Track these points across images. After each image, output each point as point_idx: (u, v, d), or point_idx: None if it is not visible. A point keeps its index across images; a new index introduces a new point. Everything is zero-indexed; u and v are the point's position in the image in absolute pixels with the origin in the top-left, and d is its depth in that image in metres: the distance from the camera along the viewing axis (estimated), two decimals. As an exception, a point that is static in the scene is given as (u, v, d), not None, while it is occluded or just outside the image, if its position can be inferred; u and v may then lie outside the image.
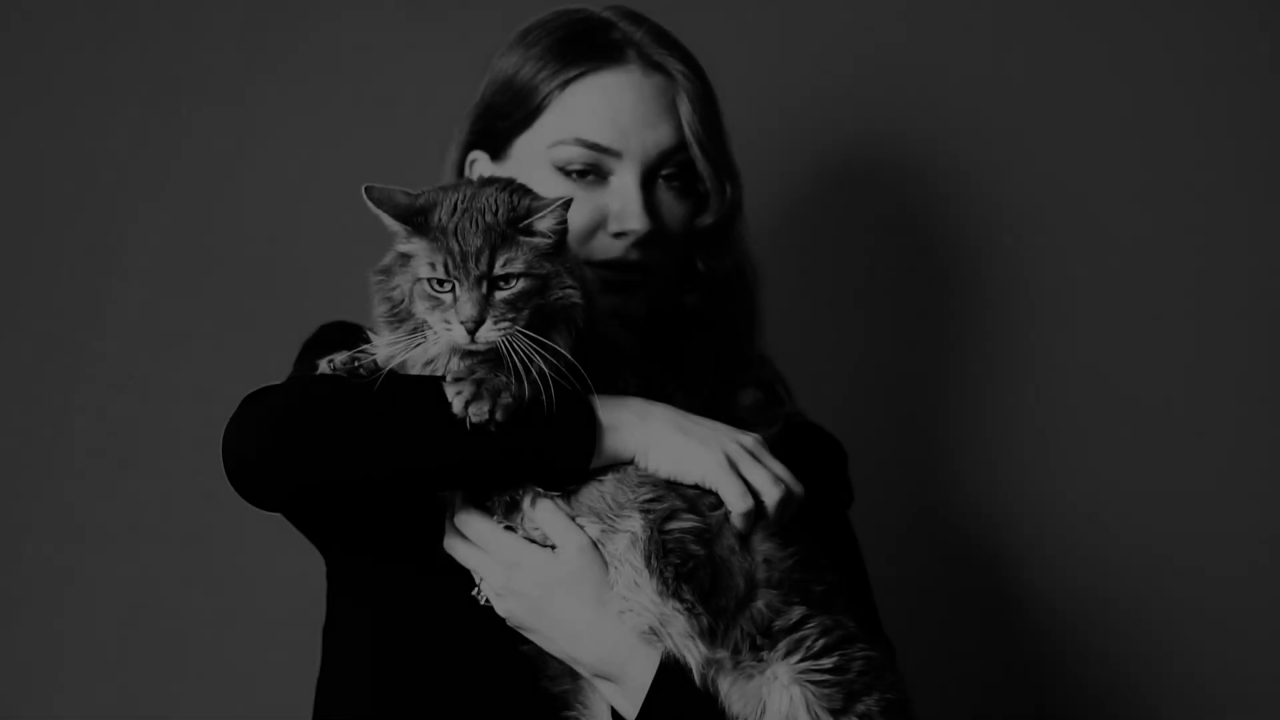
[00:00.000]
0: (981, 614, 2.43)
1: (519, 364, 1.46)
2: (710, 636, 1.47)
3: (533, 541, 1.55)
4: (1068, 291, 2.44)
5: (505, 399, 1.45)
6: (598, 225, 1.72)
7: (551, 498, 1.54)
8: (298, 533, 2.37)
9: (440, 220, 1.49)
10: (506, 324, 1.46)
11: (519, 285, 1.47)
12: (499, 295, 1.47)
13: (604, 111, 1.71)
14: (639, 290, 1.75)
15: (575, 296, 1.51)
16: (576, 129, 1.72)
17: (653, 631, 1.50)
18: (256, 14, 2.49)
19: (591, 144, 1.71)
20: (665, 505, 1.51)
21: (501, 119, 1.78)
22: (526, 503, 1.55)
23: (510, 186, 1.54)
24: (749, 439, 1.56)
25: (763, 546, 1.53)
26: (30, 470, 2.44)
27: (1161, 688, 2.40)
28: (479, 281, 1.46)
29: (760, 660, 1.48)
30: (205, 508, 2.44)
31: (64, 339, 2.45)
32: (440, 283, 1.48)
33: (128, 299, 2.46)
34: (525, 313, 1.47)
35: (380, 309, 1.55)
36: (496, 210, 1.49)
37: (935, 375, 2.46)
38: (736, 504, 1.51)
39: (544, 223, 1.49)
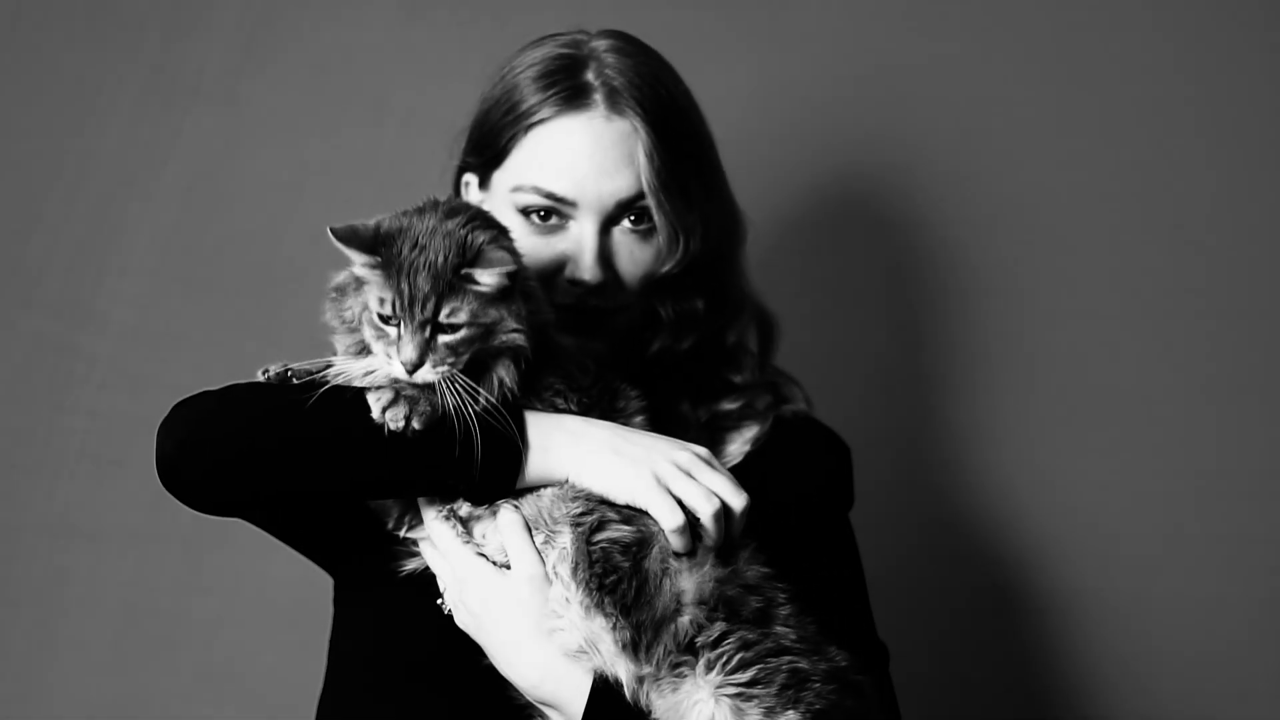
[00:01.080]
0: (985, 614, 2.44)
1: (451, 406, 1.50)
2: (634, 650, 1.49)
3: (484, 555, 1.58)
4: (1075, 293, 2.44)
5: (423, 407, 1.50)
6: (558, 269, 1.73)
7: (516, 509, 1.56)
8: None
9: (398, 254, 1.52)
10: (445, 368, 1.50)
11: (462, 333, 1.52)
12: (441, 339, 1.51)
13: (561, 160, 1.71)
14: (599, 333, 1.74)
15: (519, 340, 1.54)
16: (534, 177, 1.72)
17: (582, 651, 1.52)
18: (250, 14, 2.49)
19: (547, 193, 1.71)
20: (595, 516, 1.54)
21: (480, 153, 1.80)
22: (484, 515, 1.58)
23: (471, 223, 1.57)
24: (685, 455, 1.56)
25: (701, 563, 1.54)
26: (22, 471, 2.45)
27: (1171, 687, 2.42)
28: (422, 326, 1.50)
29: (682, 676, 1.49)
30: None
31: (56, 339, 2.45)
32: (387, 319, 1.52)
33: (120, 299, 2.46)
34: (465, 356, 1.52)
35: (333, 322, 1.59)
36: (448, 255, 1.52)
37: (937, 376, 2.46)
38: (666, 521, 1.51)
39: (487, 278, 1.52)
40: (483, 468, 1.52)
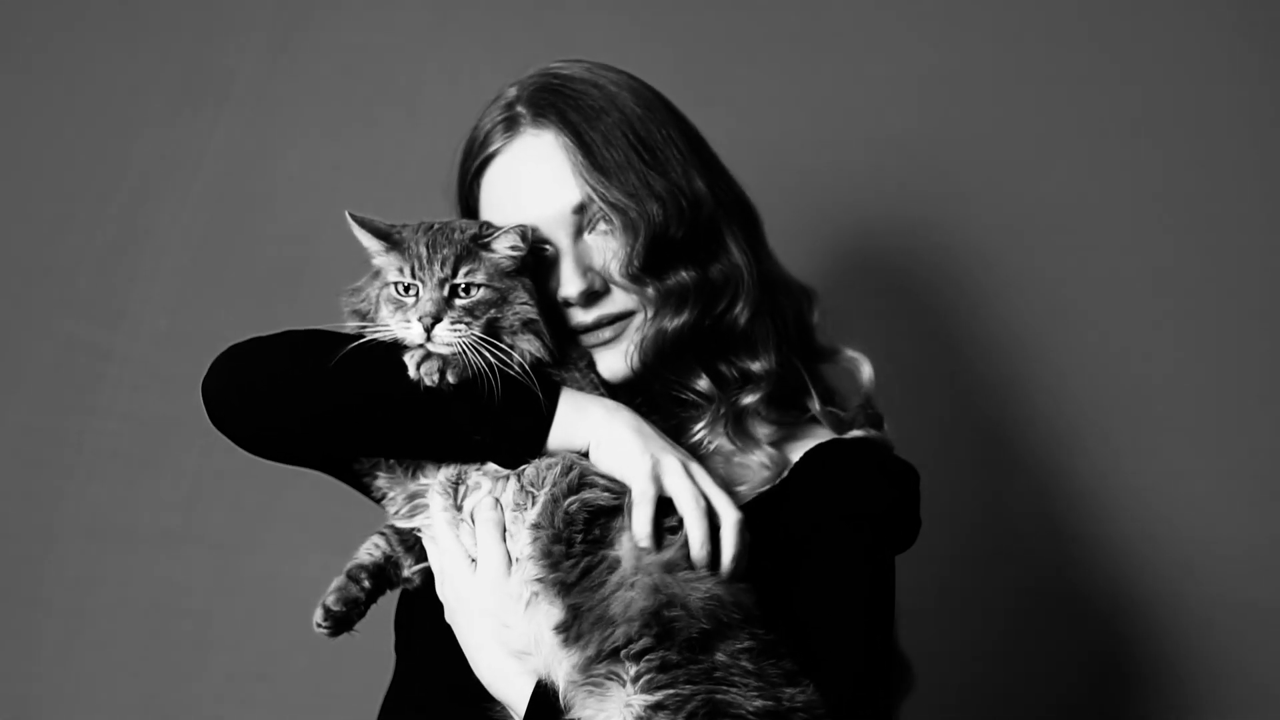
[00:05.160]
0: (1015, 616, 2.43)
1: (479, 365, 1.52)
2: (565, 632, 1.47)
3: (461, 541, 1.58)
4: (1106, 294, 2.43)
5: (456, 362, 1.54)
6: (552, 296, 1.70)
7: (497, 504, 1.56)
8: (321, 534, 2.39)
9: (415, 232, 1.59)
10: (463, 327, 1.54)
11: (478, 294, 1.57)
12: (459, 301, 1.56)
13: (507, 195, 1.70)
14: (618, 344, 1.69)
15: (531, 312, 1.59)
16: (498, 217, 1.69)
17: (526, 652, 1.51)
18: (281, 17, 2.50)
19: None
20: (574, 474, 1.54)
21: (464, 212, 1.79)
22: (477, 485, 1.58)
23: (483, 221, 1.64)
24: (696, 465, 1.57)
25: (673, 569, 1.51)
26: (54, 473, 2.47)
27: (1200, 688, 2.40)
28: (441, 284, 1.56)
29: (603, 686, 1.45)
30: (229, 509, 2.45)
31: (88, 341, 2.47)
32: (406, 288, 1.57)
33: (152, 301, 2.47)
34: (482, 321, 1.56)
35: (346, 314, 1.63)
36: (464, 230, 1.60)
37: (967, 377, 2.45)
38: (635, 497, 1.52)
39: (501, 242, 1.59)
40: (511, 425, 1.54)
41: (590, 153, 1.67)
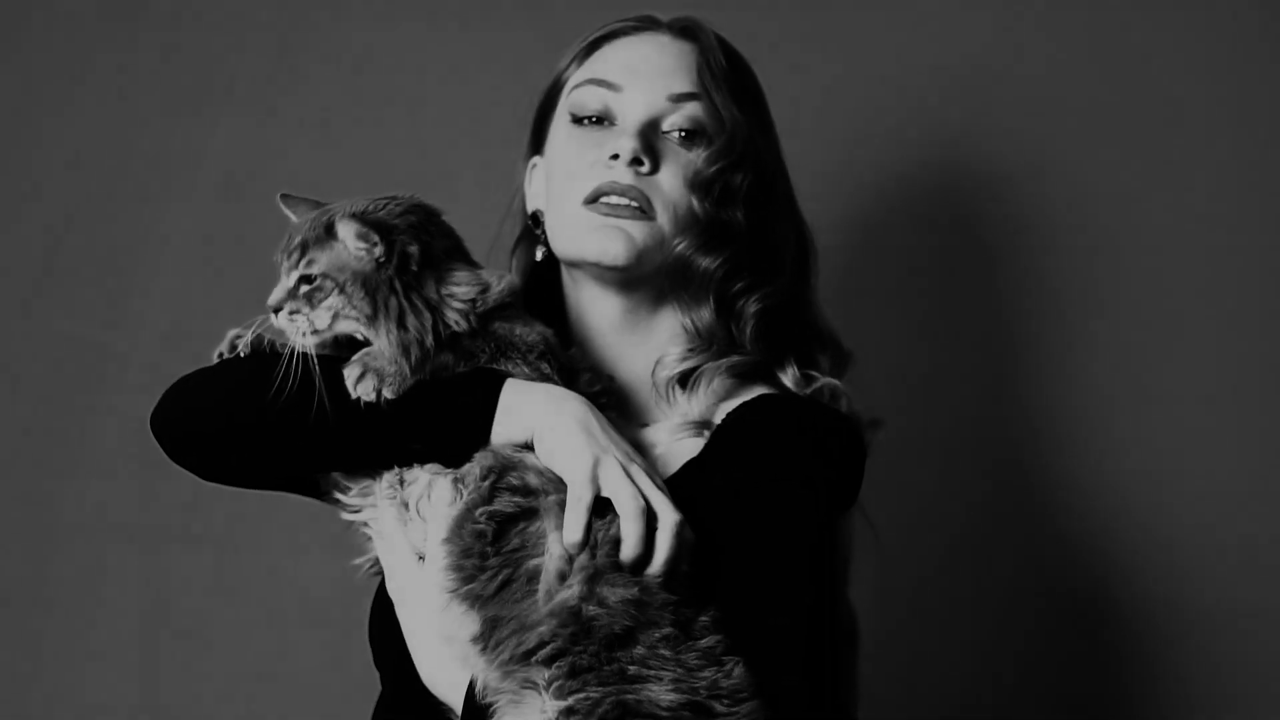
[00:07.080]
0: (1009, 614, 2.42)
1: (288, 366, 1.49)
2: (482, 641, 1.44)
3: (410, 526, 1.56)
4: (1109, 293, 2.42)
5: (392, 377, 1.50)
6: (596, 163, 1.66)
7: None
8: (321, 533, 2.38)
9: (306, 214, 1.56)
10: (299, 317, 1.51)
11: (315, 284, 1.51)
12: (302, 290, 1.52)
13: (620, 58, 1.68)
14: (631, 225, 1.63)
15: (354, 326, 1.51)
16: (588, 73, 1.69)
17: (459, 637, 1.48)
18: (283, 15, 2.50)
19: (598, 80, 1.67)
20: (489, 482, 1.48)
21: (540, 113, 1.77)
22: (415, 503, 1.55)
23: (389, 205, 1.54)
24: (636, 466, 1.49)
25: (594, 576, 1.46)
26: (57, 473, 2.46)
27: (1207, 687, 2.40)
28: (288, 272, 1.53)
29: (521, 695, 1.42)
30: (229, 509, 2.45)
31: (90, 341, 2.46)
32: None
33: (155, 300, 2.47)
34: (320, 313, 1.51)
35: None
36: (334, 214, 1.52)
37: (971, 375, 2.44)
38: (570, 498, 1.46)
39: (342, 229, 1.51)
40: (448, 433, 1.51)
41: (724, 68, 1.67)
